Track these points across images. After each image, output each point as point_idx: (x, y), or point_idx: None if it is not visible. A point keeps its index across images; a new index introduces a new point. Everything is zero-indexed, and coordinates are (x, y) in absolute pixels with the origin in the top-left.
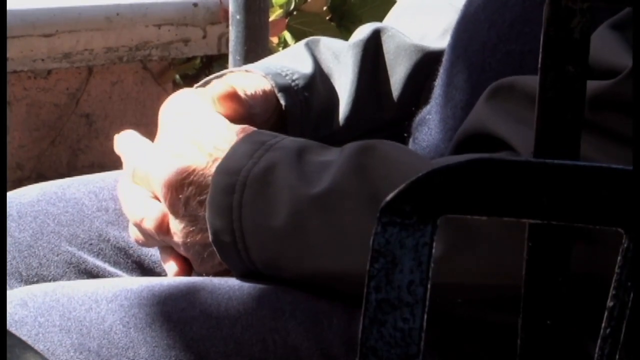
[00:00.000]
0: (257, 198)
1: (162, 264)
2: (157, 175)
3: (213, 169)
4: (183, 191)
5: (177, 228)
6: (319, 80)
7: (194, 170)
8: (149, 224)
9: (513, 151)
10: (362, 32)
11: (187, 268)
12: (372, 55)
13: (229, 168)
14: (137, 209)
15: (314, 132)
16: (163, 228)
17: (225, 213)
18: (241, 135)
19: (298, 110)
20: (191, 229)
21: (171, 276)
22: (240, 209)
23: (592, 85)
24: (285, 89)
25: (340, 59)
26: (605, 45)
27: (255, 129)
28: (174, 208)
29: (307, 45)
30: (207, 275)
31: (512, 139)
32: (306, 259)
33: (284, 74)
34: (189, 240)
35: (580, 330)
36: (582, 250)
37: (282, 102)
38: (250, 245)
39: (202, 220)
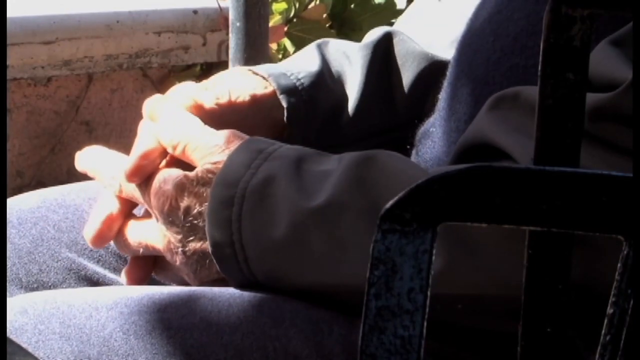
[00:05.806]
0: (256, 210)
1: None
2: (156, 185)
3: (207, 179)
4: (183, 200)
5: (174, 238)
6: (328, 78)
7: (191, 181)
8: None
9: (513, 161)
10: (374, 34)
11: (144, 277)
12: (381, 57)
13: (227, 180)
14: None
15: (320, 129)
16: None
17: (224, 225)
18: (237, 143)
19: (302, 109)
20: (191, 238)
21: (126, 283)
22: (240, 222)
23: (591, 97)
24: (289, 89)
25: (350, 59)
26: (605, 60)
27: (245, 136)
28: (169, 217)
29: (318, 45)
30: (203, 285)
31: (513, 149)
32: (306, 271)
33: (288, 74)
34: (188, 249)
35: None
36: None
37: (284, 103)
38: (250, 257)
39: (202, 230)
